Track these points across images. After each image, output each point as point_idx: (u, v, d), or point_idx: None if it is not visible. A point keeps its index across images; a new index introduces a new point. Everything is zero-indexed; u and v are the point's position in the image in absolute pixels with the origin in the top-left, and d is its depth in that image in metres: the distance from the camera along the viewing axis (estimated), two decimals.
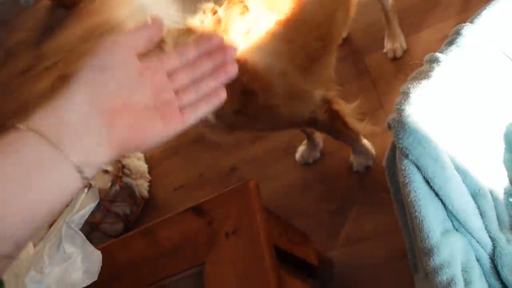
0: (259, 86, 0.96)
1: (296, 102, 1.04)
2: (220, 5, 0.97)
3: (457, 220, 0.61)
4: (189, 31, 0.97)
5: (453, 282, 0.55)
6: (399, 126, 0.60)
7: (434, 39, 1.36)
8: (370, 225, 1.20)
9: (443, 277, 0.56)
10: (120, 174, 1.52)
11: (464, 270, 0.57)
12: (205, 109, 0.44)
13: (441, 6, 1.40)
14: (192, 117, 0.43)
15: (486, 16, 0.67)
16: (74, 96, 0.38)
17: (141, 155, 1.67)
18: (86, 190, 0.78)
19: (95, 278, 0.79)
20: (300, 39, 0.99)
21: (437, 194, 0.60)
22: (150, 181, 1.64)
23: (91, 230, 1.47)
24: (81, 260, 0.77)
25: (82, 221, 0.79)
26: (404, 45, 1.39)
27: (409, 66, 1.35)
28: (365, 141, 1.25)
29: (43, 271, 0.73)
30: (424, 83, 0.62)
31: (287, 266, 0.93)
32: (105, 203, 1.47)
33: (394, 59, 1.40)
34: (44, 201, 0.36)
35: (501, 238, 0.61)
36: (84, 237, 0.77)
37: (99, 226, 1.48)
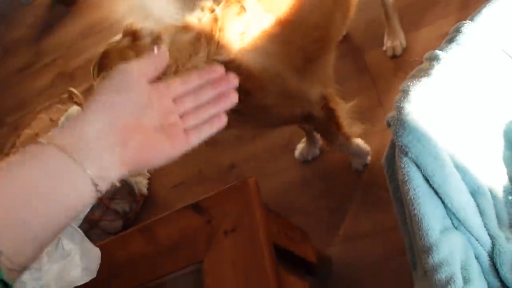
0: (254, 87, 0.97)
1: (291, 101, 1.05)
2: (218, 4, 0.97)
3: (456, 218, 0.60)
4: (186, 28, 0.97)
5: (452, 280, 0.55)
6: (398, 124, 0.60)
7: (434, 36, 1.35)
8: (369, 223, 1.20)
9: (442, 275, 0.56)
10: None
11: (463, 268, 0.57)
12: (208, 132, 0.49)
13: (441, 3, 1.40)
14: (196, 139, 0.48)
15: (487, 13, 0.66)
16: (92, 115, 0.41)
17: None
18: None
19: (93, 275, 0.79)
20: (297, 41, 0.99)
21: (436, 192, 0.60)
22: (149, 179, 1.64)
23: (90, 227, 1.47)
24: (79, 257, 0.77)
25: (81, 218, 0.79)
26: (404, 43, 1.38)
27: (408, 64, 1.34)
28: (357, 142, 1.24)
29: (42, 269, 0.73)
30: (424, 81, 0.62)
31: (286, 263, 0.93)
32: (104, 200, 1.47)
33: (394, 57, 1.39)
34: (63, 208, 0.39)
35: (500, 236, 0.61)
36: (83, 234, 0.77)
37: (98, 223, 1.48)
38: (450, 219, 0.61)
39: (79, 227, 0.77)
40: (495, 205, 0.64)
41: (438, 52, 0.65)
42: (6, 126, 2.21)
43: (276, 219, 0.93)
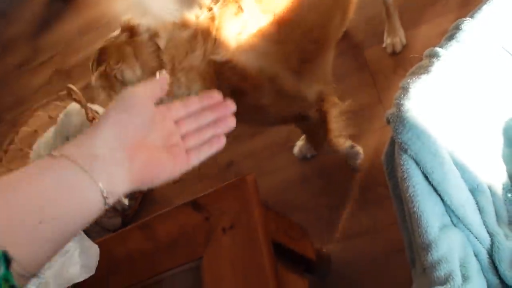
0: (249, 87, 0.97)
1: (287, 101, 1.05)
2: (216, 2, 0.97)
3: (456, 215, 0.60)
4: (184, 25, 0.97)
5: (451, 277, 0.55)
6: (398, 121, 0.60)
7: (434, 33, 1.35)
8: (368, 220, 1.20)
9: (441, 272, 0.56)
10: None
11: (462, 265, 0.57)
12: (208, 152, 0.52)
13: (441, 1, 1.39)
14: (196, 159, 0.50)
15: (487, 10, 0.66)
16: (103, 132, 0.44)
17: None
18: None
19: (92, 272, 0.79)
20: (294, 41, 0.99)
21: (435, 189, 0.60)
22: None
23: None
24: (78, 255, 0.77)
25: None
26: (404, 40, 1.38)
27: (408, 61, 1.34)
28: (344, 146, 1.24)
29: None
30: (424, 78, 0.62)
31: (284, 260, 0.93)
32: None
33: (393, 54, 1.39)
34: (73, 218, 0.41)
35: (499, 233, 0.61)
36: (82, 231, 0.77)
37: (97, 220, 1.48)
38: (449, 216, 0.61)
39: None
40: (494, 203, 0.64)
41: (437, 49, 0.65)
42: (4, 123, 2.20)
43: (275, 217, 0.92)
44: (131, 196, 1.56)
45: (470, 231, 0.61)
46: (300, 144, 1.39)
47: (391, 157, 0.66)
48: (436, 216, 0.59)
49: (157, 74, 0.51)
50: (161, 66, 0.94)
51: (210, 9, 0.98)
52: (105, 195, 0.42)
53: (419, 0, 1.43)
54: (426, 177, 0.59)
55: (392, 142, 0.65)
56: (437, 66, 0.63)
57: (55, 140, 1.57)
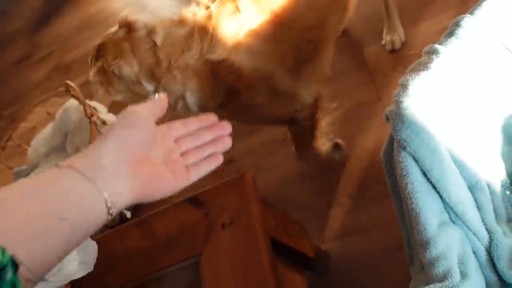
0: (244, 86, 0.97)
1: (280, 102, 1.05)
2: (213, 1, 0.97)
3: (454, 212, 0.60)
4: (181, 22, 0.97)
5: (449, 274, 0.55)
6: (397, 118, 0.59)
7: (434, 30, 1.35)
8: (366, 217, 1.20)
9: (439, 269, 0.56)
10: None
11: (461, 263, 0.57)
12: (207, 169, 0.54)
13: None
14: (195, 175, 0.53)
15: (486, 7, 0.66)
16: (107, 145, 0.46)
17: None
18: None
19: (90, 269, 0.79)
20: (291, 41, 0.99)
21: (434, 187, 0.60)
22: None
23: None
24: (76, 251, 0.77)
25: None
26: (403, 37, 1.38)
27: (407, 59, 1.34)
28: (327, 150, 1.24)
29: None
30: (423, 74, 0.62)
31: (284, 258, 0.93)
32: None
33: (393, 51, 1.39)
34: (79, 225, 0.42)
35: (498, 230, 0.61)
36: None
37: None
38: (448, 213, 0.61)
39: None
40: (492, 200, 0.64)
41: (437, 46, 0.65)
42: (2, 119, 2.20)
43: (274, 214, 0.92)
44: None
45: (469, 228, 0.61)
46: None
47: (390, 154, 0.66)
48: (435, 213, 0.59)
49: (156, 95, 0.53)
50: (157, 63, 0.94)
51: (207, 8, 0.98)
52: (109, 205, 0.44)
53: None
54: (425, 174, 0.59)
55: (391, 139, 0.65)
56: (437, 63, 0.63)
57: (53, 137, 1.57)
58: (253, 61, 0.96)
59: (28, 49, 2.42)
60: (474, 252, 0.60)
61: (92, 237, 0.81)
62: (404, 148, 0.59)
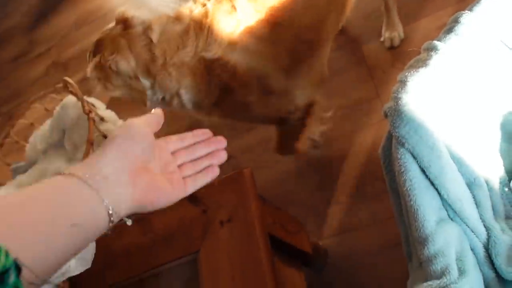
0: (238, 85, 0.97)
1: (273, 102, 1.04)
2: None
3: (452, 209, 0.60)
4: (178, 18, 0.97)
5: (447, 271, 0.55)
6: (395, 114, 0.59)
7: (433, 27, 1.34)
8: (364, 213, 1.20)
9: (437, 266, 0.56)
10: None
11: (459, 259, 0.57)
12: (203, 180, 0.55)
13: None
14: (192, 187, 0.54)
15: (485, 4, 0.66)
16: (108, 155, 0.47)
17: None
18: None
19: (88, 265, 0.79)
20: (286, 41, 0.99)
21: (432, 183, 0.60)
22: None
23: None
24: None
25: None
26: (402, 34, 1.37)
27: (406, 55, 1.34)
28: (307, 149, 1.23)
29: None
30: (422, 71, 0.62)
31: (281, 254, 0.93)
32: None
33: (392, 48, 1.38)
34: (82, 230, 0.43)
35: (496, 227, 0.61)
36: None
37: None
38: (446, 210, 0.61)
39: None
40: (491, 197, 0.64)
41: (436, 42, 0.64)
42: (0, 116, 2.19)
43: (272, 210, 0.92)
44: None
45: (467, 225, 0.61)
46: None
47: (388, 151, 0.66)
48: (433, 210, 0.59)
49: (153, 110, 0.55)
50: (153, 60, 0.94)
51: (204, 5, 0.98)
52: (110, 212, 0.45)
53: None
54: (423, 171, 0.59)
55: (390, 136, 0.65)
56: (435, 60, 0.63)
57: (51, 133, 1.56)
58: (248, 60, 0.96)
59: (26, 46, 2.41)
60: (472, 249, 0.60)
61: None
62: (403, 145, 0.59)
